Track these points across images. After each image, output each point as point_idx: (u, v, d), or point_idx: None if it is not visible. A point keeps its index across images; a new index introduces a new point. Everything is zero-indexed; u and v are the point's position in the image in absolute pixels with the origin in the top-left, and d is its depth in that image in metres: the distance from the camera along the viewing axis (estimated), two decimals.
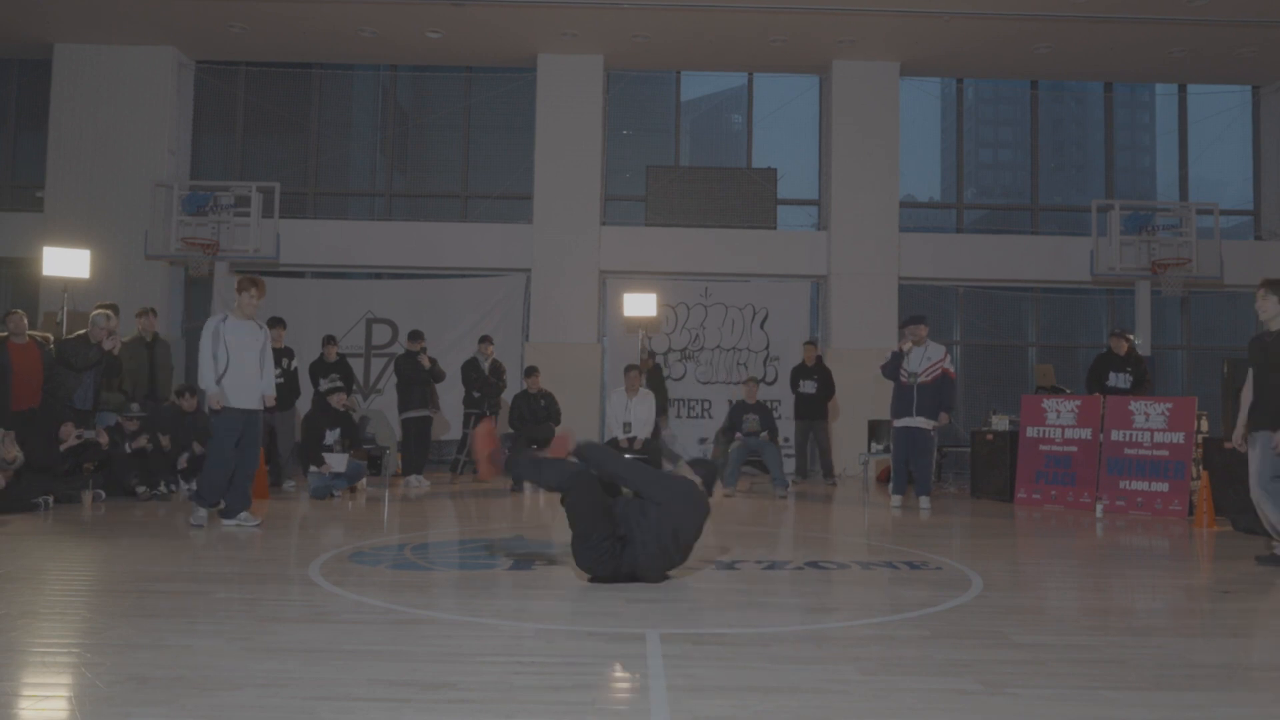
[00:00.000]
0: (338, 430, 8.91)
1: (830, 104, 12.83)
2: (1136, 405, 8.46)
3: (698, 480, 4.69)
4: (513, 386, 10.98)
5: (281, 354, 9.33)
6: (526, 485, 9.29)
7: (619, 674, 3.03)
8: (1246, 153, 13.97)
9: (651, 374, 10.93)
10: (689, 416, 12.57)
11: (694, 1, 11.02)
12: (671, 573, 4.58)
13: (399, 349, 11.52)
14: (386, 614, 3.80)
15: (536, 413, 10.07)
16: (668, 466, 9.30)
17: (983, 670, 3.09)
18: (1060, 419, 8.82)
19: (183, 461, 8.48)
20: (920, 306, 12.43)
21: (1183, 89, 13.81)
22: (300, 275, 12.85)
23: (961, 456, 11.74)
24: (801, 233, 13.22)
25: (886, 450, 9.89)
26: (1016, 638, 3.57)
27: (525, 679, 2.91)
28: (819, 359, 11.28)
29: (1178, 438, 8.20)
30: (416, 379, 10.00)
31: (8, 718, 2.53)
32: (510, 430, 9.97)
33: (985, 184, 53.62)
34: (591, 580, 4.45)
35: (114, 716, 2.52)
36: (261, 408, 6.65)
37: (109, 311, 8.17)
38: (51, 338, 8.63)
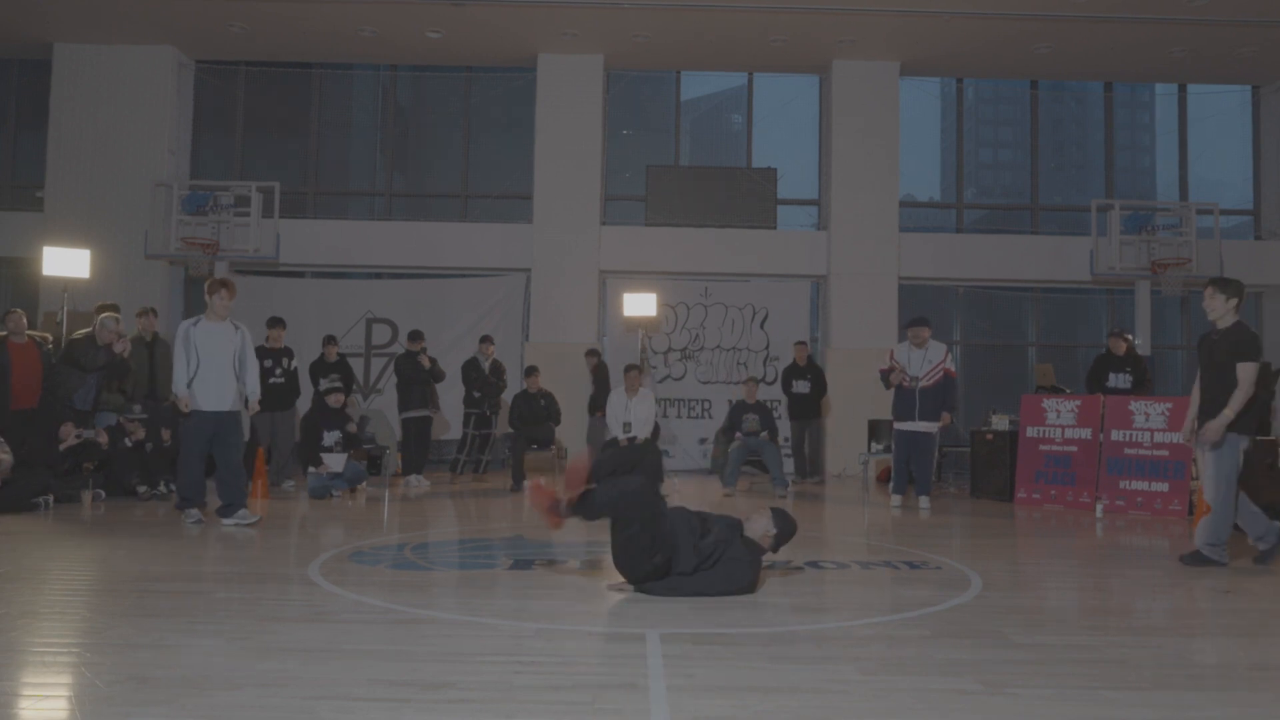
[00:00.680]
0: (336, 432, 8.91)
1: (830, 104, 12.83)
2: (1136, 405, 8.45)
3: (770, 535, 4.37)
4: (513, 386, 10.98)
5: (281, 354, 9.35)
6: (526, 485, 9.27)
7: (619, 674, 3.03)
8: (1246, 153, 13.97)
9: (597, 370, 10.78)
10: (689, 416, 12.57)
11: (694, 1, 11.02)
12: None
13: (399, 349, 11.52)
14: (386, 614, 3.80)
15: (536, 413, 10.07)
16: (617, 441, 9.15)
17: (983, 670, 3.10)
18: (1060, 419, 8.82)
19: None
20: (920, 306, 12.42)
21: (1183, 89, 13.80)
22: (300, 275, 12.85)
23: (961, 456, 11.74)
24: (801, 233, 13.22)
25: (886, 450, 9.89)
26: (1016, 638, 3.57)
27: (525, 679, 2.91)
28: (810, 359, 11.31)
29: (1178, 438, 8.19)
30: (416, 379, 10.00)
31: (8, 718, 2.53)
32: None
33: (985, 184, 53.63)
34: (636, 589, 4.29)
35: (114, 716, 2.52)
36: (237, 408, 6.69)
37: (117, 315, 8.21)
38: (50, 337, 8.63)
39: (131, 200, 12.22)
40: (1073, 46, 12.06)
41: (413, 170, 14.65)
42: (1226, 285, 5.47)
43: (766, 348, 12.61)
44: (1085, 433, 8.65)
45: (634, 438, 9.40)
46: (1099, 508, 8.13)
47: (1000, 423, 9.55)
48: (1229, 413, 5.27)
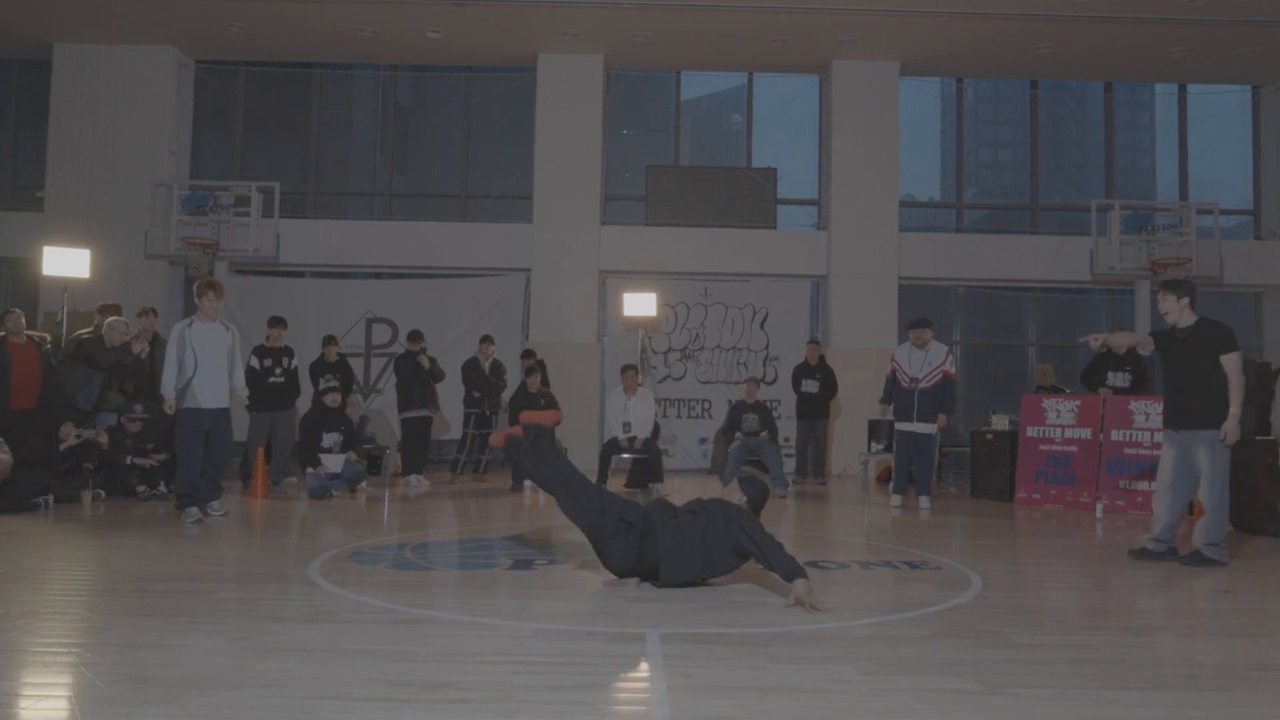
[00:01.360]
0: (335, 433, 8.91)
1: (830, 104, 12.83)
2: (1136, 405, 8.45)
3: (742, 500, 4.55)
4: (512, 386, 10.98)
5: (281, 353, 9.36)
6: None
7: (619, 674, 3.03)
8: (1246, 153, 13.97)
9: (494, 368, 10.62)
10: (689, 416, 12.57)
11: (694, 1, 11.02)
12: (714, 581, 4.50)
13: (399, 349, 11.52)
14: (386, 614, 3.80)
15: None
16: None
17: (983, 670, 3.10)
18: (1060, 419, 8.82)
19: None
20: (920, 306, 12.43)
21: (1183, 89, 13.81)
22: (300, 275, 12.85)
23: (961, 456, 11.74)
24: (801, 232, 13.22)
25: (886, 450, 9.88)
26: (1016, 638, 3.57)
27: (525, 679, 2.91)
28: (821, 358, 11.28)
29: None
30: (416, 379, 10.00)
31: (8, 718, 2.53)
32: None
33: (985, 184, 53.63)
34: (620, 577, 4.43)
35: (114, 716, 2.52)
36: (230, 405, 6.97)
37: (125, 319, 8.27)
38: (49, 337, 8.63)
39: (131, 200, 12.22)
40: (1073, 46, 12.06)
41: (413, 170, 14.65)
42: (1177, 286, 5.54)
43: (766, 348, 12.61)
44: (1085, 433, 8.65)
45: (634, 438, 9.40)
46: (1099, 508, 8.13)
47: (1000, 423, 9.55)
48: (1237, 409, 5.29)
